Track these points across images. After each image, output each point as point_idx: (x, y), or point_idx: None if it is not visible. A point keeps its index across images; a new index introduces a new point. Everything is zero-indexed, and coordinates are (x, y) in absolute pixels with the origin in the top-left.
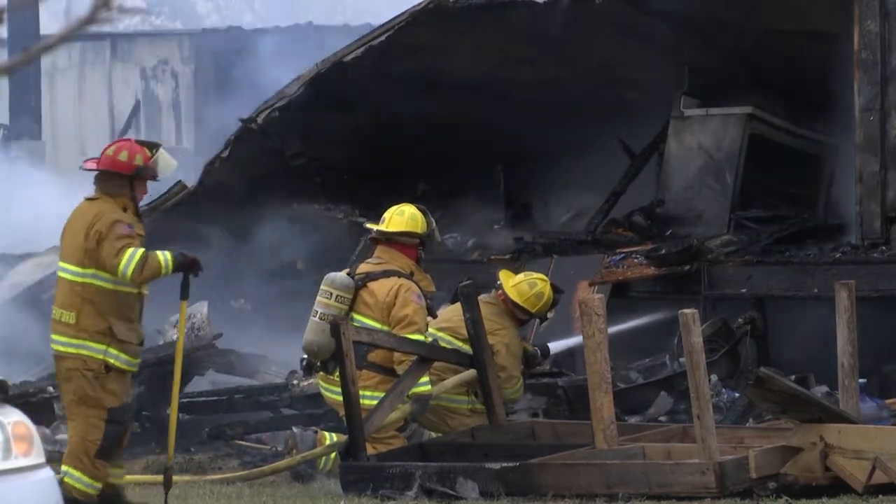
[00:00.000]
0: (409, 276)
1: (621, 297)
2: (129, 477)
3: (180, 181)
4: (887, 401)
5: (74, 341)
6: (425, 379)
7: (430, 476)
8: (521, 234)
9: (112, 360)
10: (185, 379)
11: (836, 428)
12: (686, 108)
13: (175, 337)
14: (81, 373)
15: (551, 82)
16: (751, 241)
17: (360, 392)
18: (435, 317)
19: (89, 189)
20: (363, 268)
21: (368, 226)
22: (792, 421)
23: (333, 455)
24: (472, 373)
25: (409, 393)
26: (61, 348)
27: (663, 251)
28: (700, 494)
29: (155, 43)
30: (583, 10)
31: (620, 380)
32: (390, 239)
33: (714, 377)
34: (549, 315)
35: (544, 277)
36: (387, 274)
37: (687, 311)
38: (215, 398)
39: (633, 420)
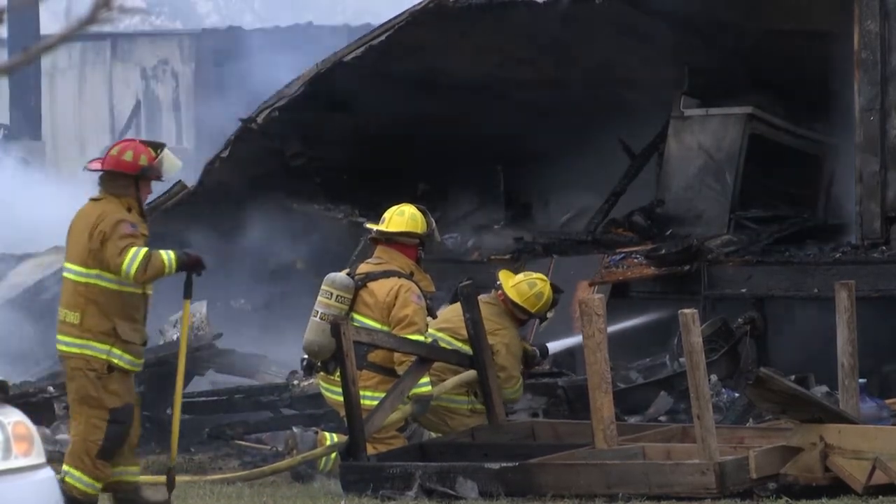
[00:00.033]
0: (409, 277)
1: (621, 297)
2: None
3: (180, 181)
4: (887, 401)
5: (78, 341)
6: (426, 379)
7: (430, 476)
8: (521, 234)
9: (116, 361)
10: (186, 379)
11: (836, 428)
12: (686, 108)
13: (175, 337)
14: (84, 373)
15: (551, 82)
16: (751, 241)
17: (361, 392)
18: (435, 317)
19: (89, 189)
20: (363, 268)
21: (368, 226)
22: (792, 421)
23: (334, 455)
24: (472, 373)
25: (410, 393)
26: (65, 348)
27: (663, 251)
28: (700, 495)
29: (155, 43)
30: (583, 10)
31: (620, 380)
32: (390, 239)
33: (714, 377)
34: (549, 315)
35: (544, 277)
36: (387, 274)
37: (687, 311)
38: (215, 398)
39: (633, 420)
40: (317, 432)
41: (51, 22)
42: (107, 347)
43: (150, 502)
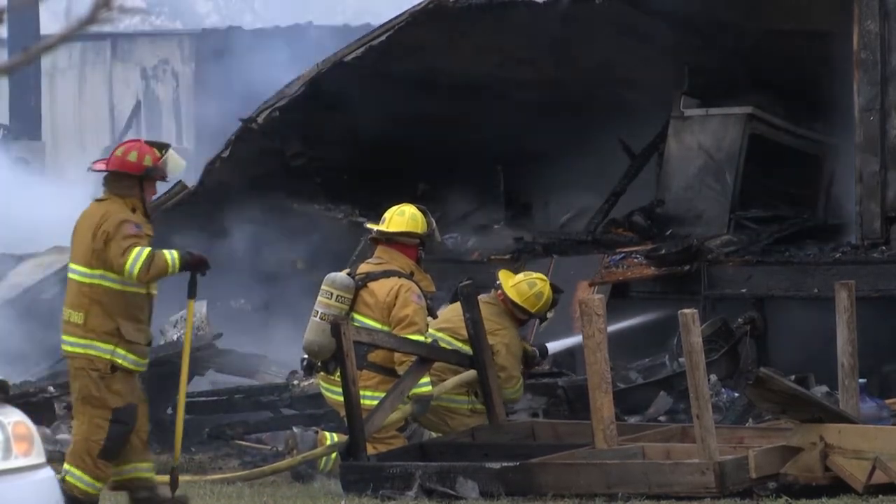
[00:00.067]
0: (410, 277)
1: (621, 297)
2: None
3: (181, 181)
4: (887, 401)
5: (82, 341)
6: (426, 379)
7: (430, 476)
8: (521, 234)
9: (119, 361)
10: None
11: (836, 428)
12: (686, 108)
13: (175, 337)
14: (87, 372)
15: (551, 82)
16: (751, 241)
17: (361, 392)
18: (435, 317)
19: (89, 189)
20: (363, 268)
21: (368, 226)
22: (792, 421)
23: (334, 455)
24: (472, 373)
25: (410, 393)
26: (70, 348)
27: (663, 251)
28: (700, 494)
29: (155, 43)
30: (583, 10)
31: (620, 380)
32: (390, 239)
33: (714, 377)
34: (549, 315)
35: (544, 277)
36: (387, 274)
37: (687, 311)
38: (215, 398)
39: (632, 420)
40: (317, 432)
41: (51, 22)
42: (111, 347)
43: (167, 499)
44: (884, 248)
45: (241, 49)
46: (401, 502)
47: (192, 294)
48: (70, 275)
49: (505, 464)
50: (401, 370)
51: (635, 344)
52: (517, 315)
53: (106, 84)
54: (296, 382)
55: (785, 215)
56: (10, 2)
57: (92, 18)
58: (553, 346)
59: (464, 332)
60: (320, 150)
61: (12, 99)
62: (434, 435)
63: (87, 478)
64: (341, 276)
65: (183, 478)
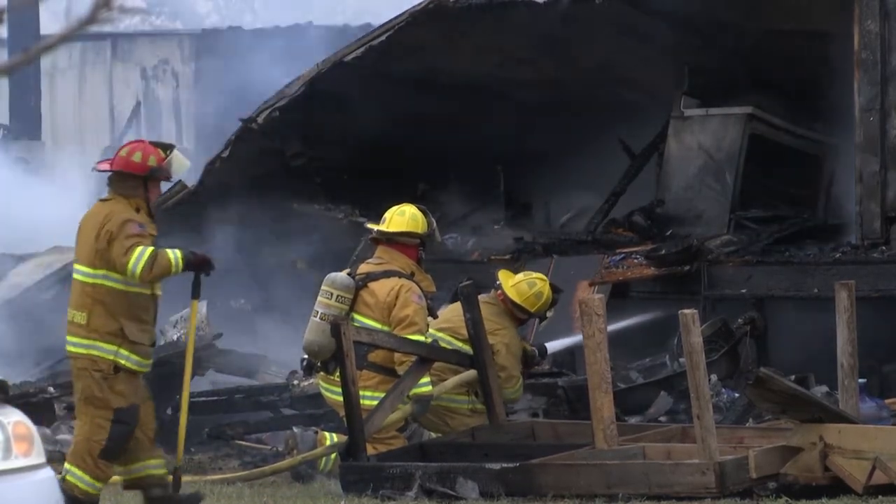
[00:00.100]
0: (410, 277)
1: (621, 297)
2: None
3: (181, 181)
4: (887, 401)
5: (85, 342)
6: (426, 379)
7: (430, 476)
8: (521, 234)
9: (122, 361)
10: None
11: (836, 428)
12: (686, 108)
13: (175, 337)
14: (89, 373)
15: (551, 82)
16: (751, 241)
17: (361, 392)
18: (436, 317)
19: (89, 189)
20: (364, 268)
21: (369, 226)
22: (792, 421)
23: (334, 455)
24: (472, 373)
25: (410, 393)
26: (73, 349)
27: (663, 251)
28: (700, 494)
29: (155, 43)
30: (583, 10)
31: (620, 380)
32: (391, 239)
33: (714, 377)
34: (549, 315)
35: (543, 277)
36: (387, 274)
37: (687, 311)
38: (215, 398)
39: (633, 420)
40: (317, 432)
41: (51, 22)
42: (114, 348)
43: (181, 498)
44: (884, 248)
45: (241, 49)
46: (401, 502)
47: (195, 294)
48: (74, 275)
49: (505, 464)
50: (401, 370)
51: (635, 344)
52: (517, 315)
53: (106, 84)
54: (296, 382)
55: (785, 215)
56: (10, 2)
57: (92, 18)
58: (553, 346)
59: (464, 332)
60: (320, 150)
61: (12, 99)
62: (434, 435)
63: (87, 478)
64: (341, 276)
65: (183, 478)
